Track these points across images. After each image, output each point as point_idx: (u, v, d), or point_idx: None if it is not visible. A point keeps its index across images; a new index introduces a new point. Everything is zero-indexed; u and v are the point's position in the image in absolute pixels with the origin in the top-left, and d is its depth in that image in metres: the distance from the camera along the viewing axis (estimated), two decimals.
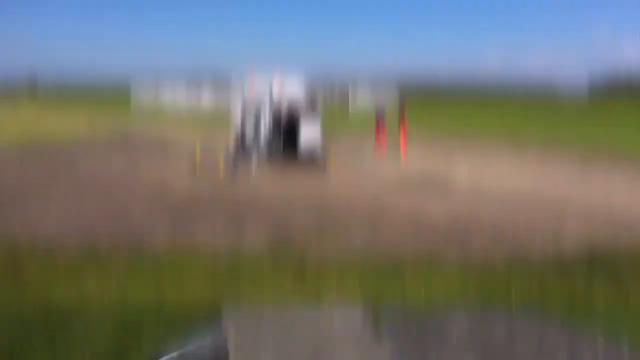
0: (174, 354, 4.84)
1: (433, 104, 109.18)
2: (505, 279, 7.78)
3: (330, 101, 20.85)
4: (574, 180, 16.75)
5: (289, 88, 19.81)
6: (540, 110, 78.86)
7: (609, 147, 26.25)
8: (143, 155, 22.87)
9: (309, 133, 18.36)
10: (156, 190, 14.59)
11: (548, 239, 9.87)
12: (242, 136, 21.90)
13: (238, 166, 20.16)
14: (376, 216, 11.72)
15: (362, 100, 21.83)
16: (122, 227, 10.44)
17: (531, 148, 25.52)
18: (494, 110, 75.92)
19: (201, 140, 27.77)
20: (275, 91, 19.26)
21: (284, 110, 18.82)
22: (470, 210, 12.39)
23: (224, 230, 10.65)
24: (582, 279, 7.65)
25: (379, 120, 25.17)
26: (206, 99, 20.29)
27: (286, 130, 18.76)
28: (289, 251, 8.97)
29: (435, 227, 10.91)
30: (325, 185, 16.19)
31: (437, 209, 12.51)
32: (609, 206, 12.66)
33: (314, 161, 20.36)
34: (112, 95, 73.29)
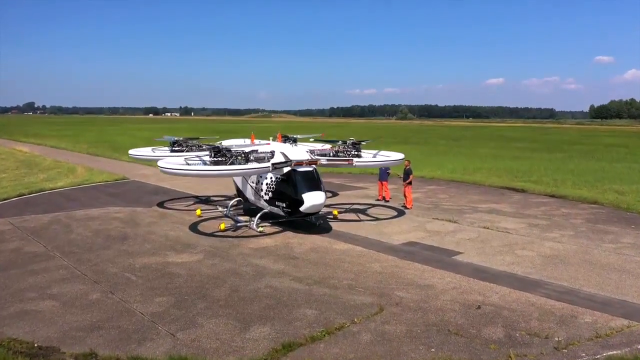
0: None
1: (435, 131, 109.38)
2: None
3: (333, 161, 20.27)
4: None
5: (290, 149, 19.32)
6: (543, 142, 78.65)
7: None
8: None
9: (312, 193, 17.76)
10: None
11: None
12: (244, 193, 21.38)
13: (239, 222, 19.59)
14: None
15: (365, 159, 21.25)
16: None
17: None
18: (496, 143, 75.48)
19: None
20: (277, 151, 18.74)
21: (285, 171, 18.22)
22: None
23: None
24: None
25: (383, 175, 24.64)
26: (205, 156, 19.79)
27: (289, 189, 18.18)
28: None
29: None
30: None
31: None
32: None
33: (318, 218, 19.75)
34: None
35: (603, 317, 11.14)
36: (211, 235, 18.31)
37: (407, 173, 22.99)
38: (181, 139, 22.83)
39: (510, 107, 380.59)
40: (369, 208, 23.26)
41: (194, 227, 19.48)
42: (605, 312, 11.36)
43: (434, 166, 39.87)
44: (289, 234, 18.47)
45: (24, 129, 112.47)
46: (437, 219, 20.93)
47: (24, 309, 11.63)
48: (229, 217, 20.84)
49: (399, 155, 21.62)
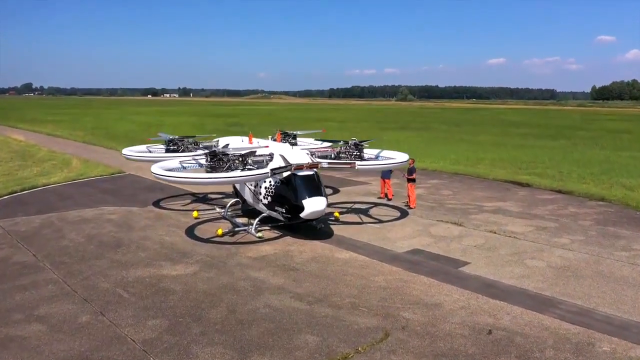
0: None
1: (435, 115, 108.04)
2: None
3: (335, 164, 19.49)
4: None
5: (289, 152, 18.52)
6: (546, 127, 77.75)
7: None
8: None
9: (313, 199, 17.05)
10: None
11: None
12: (242, 195, 20.67)
13: (238, 225, 18.94)
14: None
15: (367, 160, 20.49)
16: None
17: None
18: (498, 129, 74.61)
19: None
20: (276, 155, 17.97)
21: (285, 172, 17.44)
22: None
23: None
24: None
25: (385, 173, 23.89)
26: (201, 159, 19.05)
27: (288, 194, 17.46)
28: None
29: None
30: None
31: None
32: None
33: (319, 222, 19.03)
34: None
35: (621, 344, 10.51)
36: (208, 241, 17.66)
37: (411, 171, 22.28)
38: (177, 137, 22.06)
39: (511, 87, 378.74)
40: (371, 208, 22.59)
41: (190, 232, 18.79)
42: (623, 339, 10.72)
43: (436, 156, 39.16)
44: (289, 239, 17.80)
45: (21, 112, 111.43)
46: (442, 221, 20.23)
47: (9, 334, 10.99)
48: (227, 218, 20.19)
49: (403, 157, 20.74)
